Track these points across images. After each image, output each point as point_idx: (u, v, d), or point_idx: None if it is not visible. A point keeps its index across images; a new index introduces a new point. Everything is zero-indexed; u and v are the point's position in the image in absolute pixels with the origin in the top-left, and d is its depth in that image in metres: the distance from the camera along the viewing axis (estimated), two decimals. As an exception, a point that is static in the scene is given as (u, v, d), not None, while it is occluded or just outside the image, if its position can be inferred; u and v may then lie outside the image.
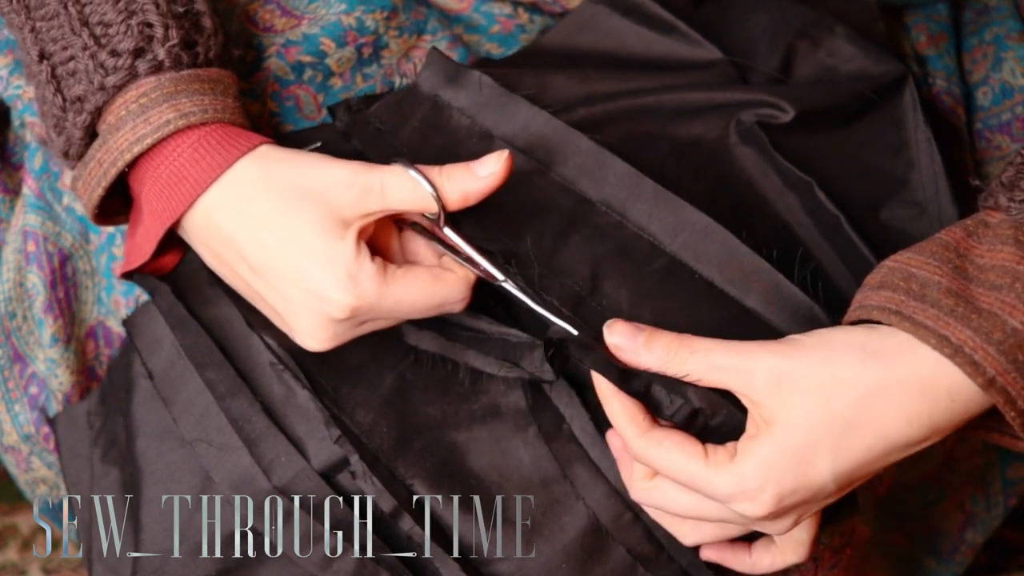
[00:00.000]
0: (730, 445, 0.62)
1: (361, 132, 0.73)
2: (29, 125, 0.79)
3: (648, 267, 0.66)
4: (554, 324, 0.65)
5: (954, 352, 0.57)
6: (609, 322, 0.63)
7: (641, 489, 0.65)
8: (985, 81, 0.86)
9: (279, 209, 0.64)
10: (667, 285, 0.66)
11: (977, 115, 0.86)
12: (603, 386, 0.63)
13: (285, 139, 0.76)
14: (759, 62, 0.77)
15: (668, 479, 0.63)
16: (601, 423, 0.69)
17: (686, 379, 0.61)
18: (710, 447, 0.62)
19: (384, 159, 0.70)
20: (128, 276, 0.72)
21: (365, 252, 0.64)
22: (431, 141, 0.71)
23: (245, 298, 0.69)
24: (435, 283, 0.65)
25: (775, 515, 0.61)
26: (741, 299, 0.66)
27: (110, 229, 0.79)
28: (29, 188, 0.80)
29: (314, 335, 0.65)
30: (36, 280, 0.81)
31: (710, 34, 0.77)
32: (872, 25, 0.81)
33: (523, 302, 0.65)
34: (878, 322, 0.61)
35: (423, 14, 0.80)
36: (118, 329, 0.81)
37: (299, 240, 0.63)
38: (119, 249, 0.80)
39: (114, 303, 0.80)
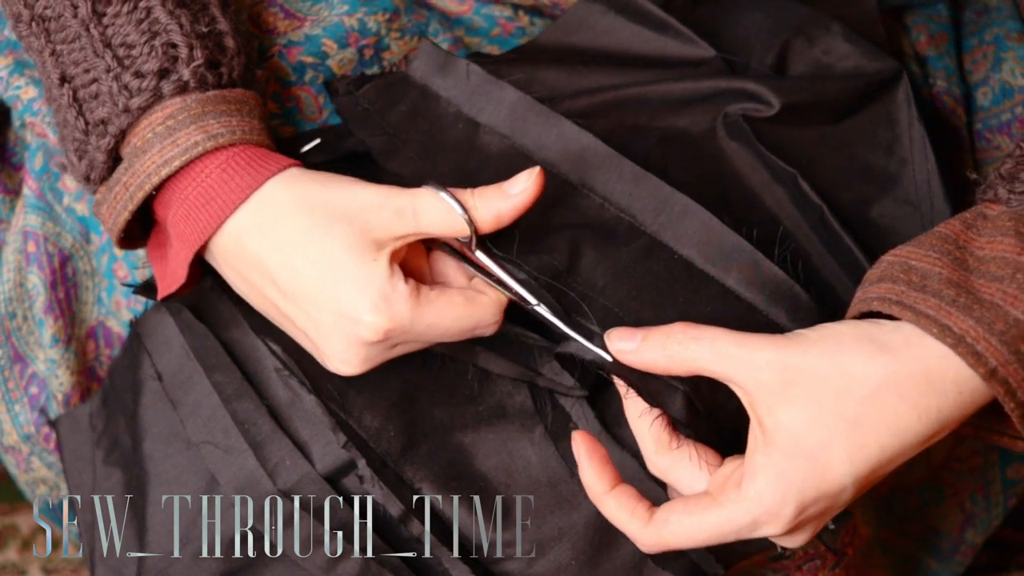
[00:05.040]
0: (734, 469, 0.60)
1: (350, 112, 0.73)
2: (29, 125, 0.79)
3: (627, 247, 0.67)
4: (588, 349, 0.64)
5: (956, 342, 0.57)
6: (608, 331, 0.63)
7: (650, 541, 0.62)
8: (985, 81, 0.86)
9: (312, 232, 0.62)
10: (645, 265, 0.66)
11: (977, 115, 0.86)
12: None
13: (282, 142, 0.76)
14: (754, 60, 0.77)
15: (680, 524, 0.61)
16: (607, 421, 0.69)
17: (690, 371, 0.60)
18: (713, 482, 0.61)
19: (371, 137, 0.71)
20: (167, 298, 0.71)
21: (399, 273, 0.62)
22: (418, 126, 0.72)
23: (273, 322, 0.68)
24: (469, 306, 0.64)
25: (797, 527, 0.60)
26: (721, 278, 0.66)
27: (111, 230, 0.79)
28: (29, 188, 0.80)
29: (346, 359, 0.63)
30: (36, 280, 0.81)
31: (706, 32, 0.77)
32: (872, 26, 0.81)
33: (556, 326, 0.65)
34: (879, 313, 0.60)
35: (424, 16, 0.80)
36: (118, 330, 0.81)
37: (332, 263, 0.62)
38: (119, 250, 0.79)
39: (115, 304, 0.80)
